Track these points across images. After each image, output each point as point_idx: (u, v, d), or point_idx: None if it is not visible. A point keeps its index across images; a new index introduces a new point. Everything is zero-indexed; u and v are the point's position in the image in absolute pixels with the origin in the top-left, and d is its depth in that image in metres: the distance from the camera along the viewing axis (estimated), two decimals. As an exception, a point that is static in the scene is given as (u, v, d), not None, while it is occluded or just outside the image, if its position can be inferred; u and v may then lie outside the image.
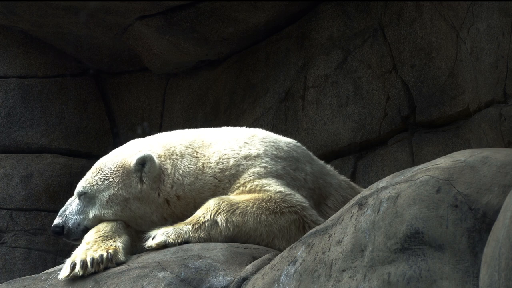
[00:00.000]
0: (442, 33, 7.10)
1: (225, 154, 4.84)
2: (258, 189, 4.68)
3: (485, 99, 6.38)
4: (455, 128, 7.04)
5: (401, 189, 3.52)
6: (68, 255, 4.61)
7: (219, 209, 4.53)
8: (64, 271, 4.46)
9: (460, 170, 3.48)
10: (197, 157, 4.87)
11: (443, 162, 3.57)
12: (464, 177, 3.44)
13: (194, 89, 9.21)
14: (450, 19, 6.92)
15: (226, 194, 4.75)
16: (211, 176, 4.80)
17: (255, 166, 4.78)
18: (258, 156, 4.83)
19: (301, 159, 5.01)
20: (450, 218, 3.34)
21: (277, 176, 4.78)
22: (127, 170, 4.84)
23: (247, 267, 4.18)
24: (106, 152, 5.20)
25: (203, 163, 4.84)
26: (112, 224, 4.72)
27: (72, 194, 4.99)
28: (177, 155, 4.88)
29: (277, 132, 5.57)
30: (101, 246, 4.53)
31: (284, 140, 5.09)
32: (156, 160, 4.81)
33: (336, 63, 7.95)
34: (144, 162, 4.80)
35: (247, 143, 4.90)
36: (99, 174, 4.89)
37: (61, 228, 4.86)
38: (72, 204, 4.91)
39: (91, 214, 4.83)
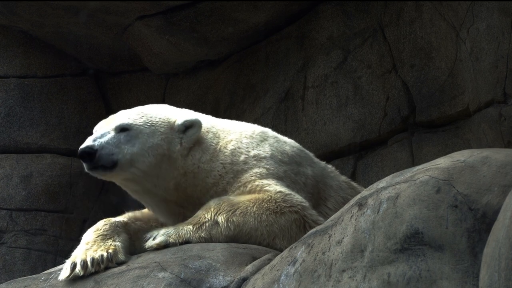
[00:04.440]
0: (442, 33, 7.10)
1: (239, 148, 4.87)
2: (258, 190, 4.69)
3: (485, 99, 6.38)
4: (455, 128, 7.04)
5: (401, 189, 3.52)
6: (68, 255, 4.61)
7: (219, 209, 4.54)
8: (64, 271, 4.45)
9: (460, 170, 3.48)
10: (218, 138, 4.91)
11: (443, 162, 3.57)
12: (464, 177, 3.44)
13: (194, 89, 9.21)
14: (450, 19, 6.92)
15: (225, 194, 4.77)
16: (220, 163, 4.82)
17: (259, 167, 4.80)
18: (264, 158, 4.87)
19: (303, 163, 5.04)
20: (450, 218, 3.34)
21: (278, 177, 4.80)
22: (171, 126, 4.83)
23: (247, 267, 4.18)
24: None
25: (220, 147, 4.87)
26: (111, 223, 4.70)
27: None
28: (207, 131, 4.91)
29: (277, 132, 5.57)
30: (100, 246, 4.52)
31: (289, 145, 5.11)
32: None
33: (336, 63, 7.95)
34: (190, 125, 4.81)
35: (258, 145, 4.92)
36: (144, 117, 4.82)
37: (94, 150, 4.65)
38: (108, 136, 4.73)
39: (128, 154, 4.70)
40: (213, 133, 4.93)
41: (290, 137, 5.35)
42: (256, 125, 5.16)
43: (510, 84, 6.15)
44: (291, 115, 8.22)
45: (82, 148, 4.65)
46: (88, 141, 4.69)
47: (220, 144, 4.88)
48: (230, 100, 8.82)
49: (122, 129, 4.76)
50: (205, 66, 9.12)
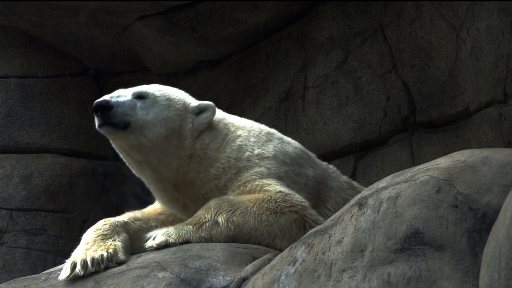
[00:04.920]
0: (442, 33, 7.10)
1: (246, 145, 4.93)
2: (258, 189, 4.70)
3: (485, 99, 6.38)
4: (455, 128, 7.04)
5: (401, 189, 3.52)
6: (68, 255, 4.61)
7: (219, 209, 4.55)
8: (64, 271, 4.45)
9: (460, 170, 3.48)
10: (228, 130, 4.99)
11: (443, 162, 3.57)
12: (464, 177, 3.44)
13: (194, 89, 9.20)
14: (450, 19, 6.92)
15: (226, 190, 4.78)
16: (226, 155, 4.87)
17: (260, 166, 4.83)
18: (267, 158, 4.90)
19: (305, 164, 5.06)
20: (450, 218, 3.34)
21: (278, 177, 4.82)
22: (186, 106, 4.93)
23: (247, 267, 4.18)
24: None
25: (229, 139, 4.94)
26: (111, 223, 4.71)
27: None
28: (218, 121, 5.01)
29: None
30: (100, 246, 4.52)
31: (292, 146, 5.15)
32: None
33: (336, 63, 7.95)
34: (204, 109, 4.92)
35: (263, 144, 4.96)
36: (162, 91, 4.93)
37: (110, 106, 4.67)
38: (125, 98, 4.78)
39: (141, 120, 4.75)
40: (224, 124, 5.02)
41: (290, 137, 5.36)
42: (264, 125, 5.24)
43: (510, 84, 6.14)
44: (291, 115, 8.22)
45: (98, 101, 4.69)
46: (105, 97, 4.74)
47: (229, 136, 4.96)
48: (230, 100, 8.82)
49: (139, 96, 4.84)
50: (205, 66, 9.12)
